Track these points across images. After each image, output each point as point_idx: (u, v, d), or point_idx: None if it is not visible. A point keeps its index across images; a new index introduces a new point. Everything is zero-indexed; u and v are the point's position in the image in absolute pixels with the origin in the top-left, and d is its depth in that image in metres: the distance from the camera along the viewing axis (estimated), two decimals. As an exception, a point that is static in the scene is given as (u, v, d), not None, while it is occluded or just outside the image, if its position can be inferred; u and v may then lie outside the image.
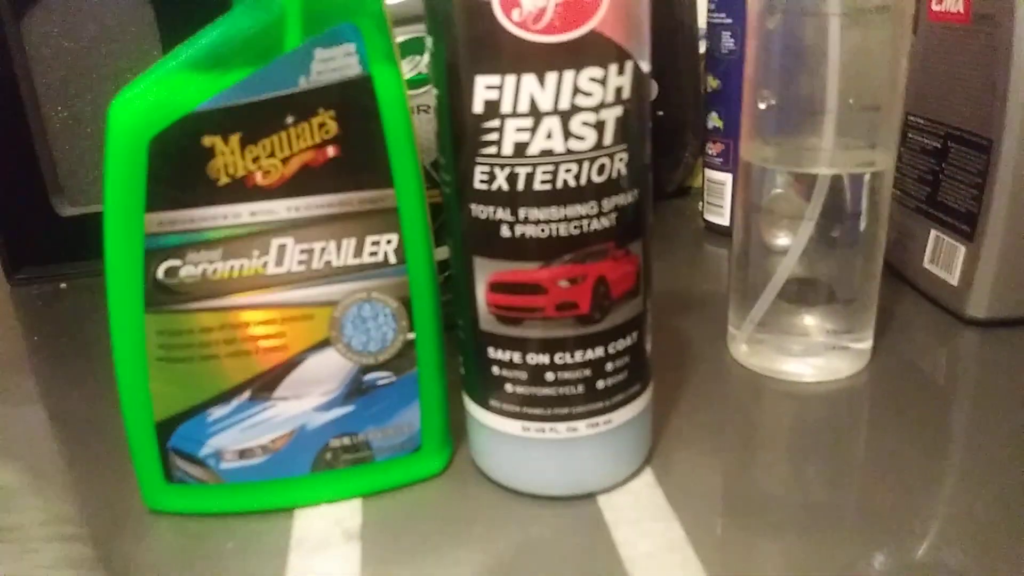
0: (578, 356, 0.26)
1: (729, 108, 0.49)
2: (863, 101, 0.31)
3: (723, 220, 0.52)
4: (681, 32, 0.56)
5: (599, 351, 0.26)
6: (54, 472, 0.33)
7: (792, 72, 0.31)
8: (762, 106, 0.33)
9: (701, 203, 0.55)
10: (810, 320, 0.35)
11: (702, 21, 0.55)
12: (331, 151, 0.26)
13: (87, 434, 0.35)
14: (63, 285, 0.53)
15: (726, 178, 0.51)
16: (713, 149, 0.51)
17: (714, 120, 0.51)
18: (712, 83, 0.50)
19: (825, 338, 0.35)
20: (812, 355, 0.35)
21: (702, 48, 0.55)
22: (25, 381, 0.41)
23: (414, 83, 0.36)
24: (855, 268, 0.34)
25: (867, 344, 0.36)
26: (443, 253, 0.30)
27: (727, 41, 0.48)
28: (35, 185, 0.54)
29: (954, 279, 0.39)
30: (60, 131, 0.54)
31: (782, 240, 0.35)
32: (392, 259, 0.27)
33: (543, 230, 0.25)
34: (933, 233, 0.41)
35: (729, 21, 0.47)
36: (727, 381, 0.36)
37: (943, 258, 0.40)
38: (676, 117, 0.57)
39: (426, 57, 0.36)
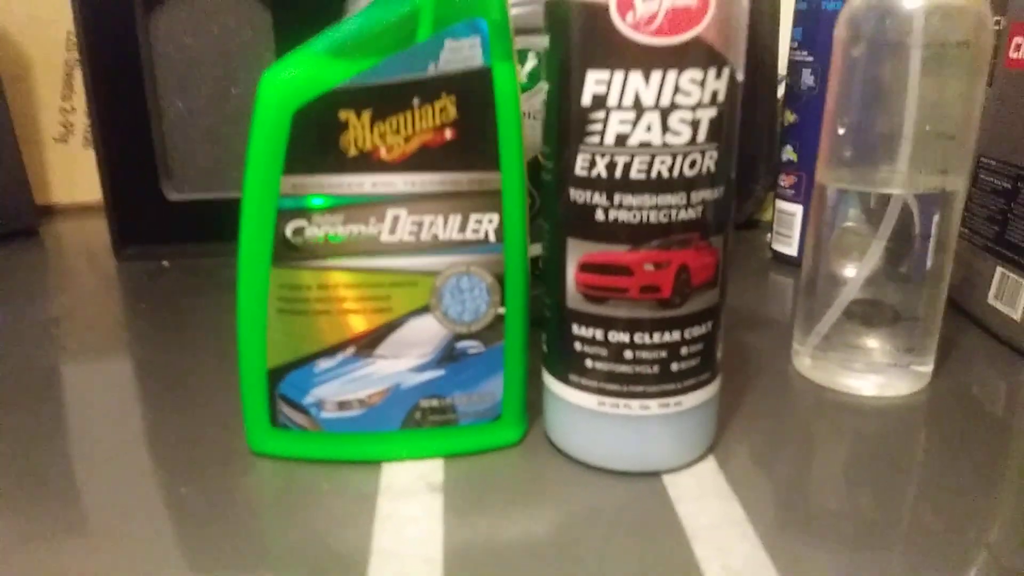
0: (656, 338, 0.29)
1: (805, 142, 0.51)
2: (938, 129, 0.33)
3: (791, 250, 0.54)
4: (761, 70, 0.59)
5: (676, 335, 0.29)
6: (157, 418, 0.36)
7: (873, 99, 0.33)
8: (841, 131, 0.35)
9: (770, 234, 0.57)
10: (873, 341, 0.37)
11: (782, 61, 0.57)
12: (448, 133, 0.29)
13: (188, 386, 0.39)
14: (165, 263, 0.58)
15: (797, 209, 0.53)
16: (786, 181, 0.53)
17: (789, 153, 0.53)
18: (789, 117, 0.52)
19: (887, 357, 0.37)
20: (873, 372, 0.37)
21: (780, 86, 0.58)
22: (129, 342, 0.45)
23: (515, 90, 0.39)
24: (921, 290, 0.36)
25: (928, 367, 0.38)
26: (535, 250, 0.33)
27: (807, 78, 0.50)
28: (147, 170, 0.58)
29: (1017, 314, 0.41)
30: (175, 122, 0.59)
31: (849, 271, 0.36)
32: (492, 237, 0.30)
33: (635, 216, 0.27)
34: (999, 270, 0.42)
35: (811, 59, 0.50)
36: (789, 390, 0.38)
37: (1008, 294, 0.41)
38: (750, 151, 0.60)
39: (527, 66, 0.40)
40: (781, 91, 0.58)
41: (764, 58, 0.58)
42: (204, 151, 0.59)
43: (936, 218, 0.35)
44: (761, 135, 0.60)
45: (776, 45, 0.58)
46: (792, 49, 0.51)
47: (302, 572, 0.26)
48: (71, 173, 0.72)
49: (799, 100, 0.51)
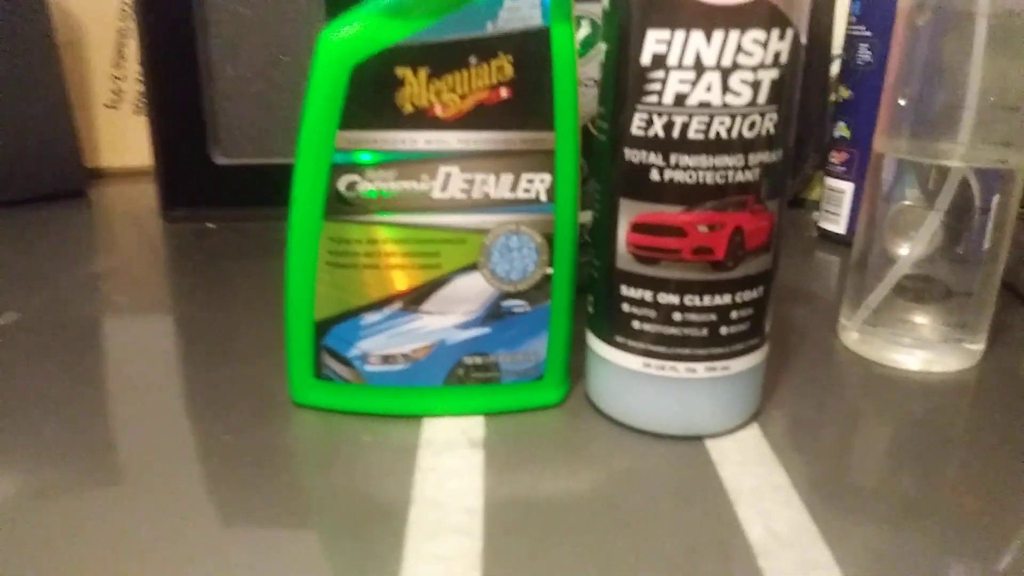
0: (706, 300, 0.28)
1: (859, 118, 0.50)
2: (1003, 101, 0.32)
3: (838, 228, 0.53)
4: (815, 48, 0.58)
5: (727, 298, 0.28)
6: (200, 370, 0.37)
7: (935, 69, 0.33)
8: (902, 102, 0.34)
9: (817, 213, 0.56)
10: (923, 316, 0.36)
11: (837, 37, 0.56)
12: (504, 92, 0.29)
13: (231, 341, 0.39)
14: (211, 225, 0.58)
15: (847, 187, 0.52)
16: (837, 158, 0.52)
17: (841, 130, 0.52)
18: (844, 93, 0.51)
19: (937, 333, 0.36)
20: (922, 348, 0.36)
21: (835, 62, 0.57)
22: (174, 298, 0.45)
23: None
24: (977, 267, 0.35)
25: (979, 345, 0.37)
26: (583, 218, 0.33)
27: (864, 53, 0.49)
28: (196, 134, 0.59)
29: (1074, 298, 0.40)
30: (225, 88, 0.59)
31: (903, 250, 0.36)
32: (543, 197, 0.30)
33: (690, 176, 0.27)
34: (1056, 253, 0.41)
35: (868, 34, 0.49)
36: (835, 363, 0.37)
37: (1064, 277, 0.40)
38: (799, 129, 0.59)
39: (581, 33, 0.39)
40: (834, 69, 0.57)
41: (818, 35, 0.57)
42: (253, 117, 0.60)
43: (996, 193, 0.34)
44: (811, 114, 0.59)
45: (831, 21, 0.57)
46: (849, 24, 0.50)
47: (343, 518, 0.26)
48: (120, 138, 0.73)
49: (854, 76, 0.50)
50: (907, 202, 0.35)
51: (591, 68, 0.40)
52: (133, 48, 0.71)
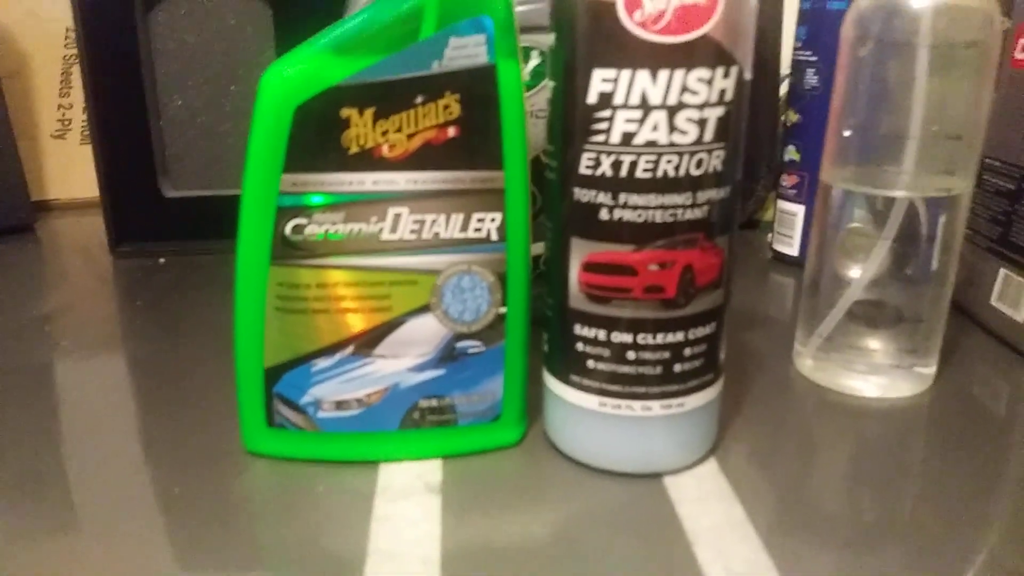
0: (660, 338, 0.28)
1: (808, 142, 0.51)
2: (946, 130, 0.33)
3: (792, 250, 0.54)
4: (764, 70, 0.58)
5: (679, 335, 0.28)
6: (151, 416, 0.36)
7: (879, 99, 0.33)
8: (847, 133, 0.35)
9: (770, 234, 0.57)
10: (876, 342, 0.37)
11: (784, 60, 0.57)
12: (452, 131, 0.28)
13: (183, 385, 0.38)
14: (162, 260, 0.57)
15: (799, 209, 0.52)
16: (788, 181, 0.53)
17: (791, 153, 0.52)
18: (792, 117, 0.52)
19: (890, 358, 0.36)
20: (876, 374, 0.37)
21: (783, 86, 0.58)
22: (124, 339, 0.44)
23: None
24: (925, 291, 0.35)
25: (931, 369, 0.37)
26: (536, 249, 0.32)
27: (811, 77, 0.50)
28: (144, 166, 0.58)
29: (1020, 316, 0.40)
30: (173, 119, 0.58)
31: (854, 272, 0.36)
32: (494, 236, 0.30)
33: (640, 215, 0.27)
34: (1003, 272, 0.42)
35: (814, 59, 0.49)
36: (791, 391, 0.38)
37: (1011, 295, 0.41)
38: (751, 151, 0.59)
39: (531, 64, 0.39)
40: (783, 90, 0.57)
41: (766, 57, 0.58)
42: (202, 148, 0.59)
43: (942, 219, 0.34)
44: (762, 135, 0.59)
45: (779, 44, 0.57)
46: (796, 48, 0.51)
47: (297, 573, 0.26)
48: (68, 170, 0.71)
49: (802, 99, 0.51)
50: (856, 224, 0.35)
51: (541, 99, 0.39)
52: (79, 76, 0.69)
